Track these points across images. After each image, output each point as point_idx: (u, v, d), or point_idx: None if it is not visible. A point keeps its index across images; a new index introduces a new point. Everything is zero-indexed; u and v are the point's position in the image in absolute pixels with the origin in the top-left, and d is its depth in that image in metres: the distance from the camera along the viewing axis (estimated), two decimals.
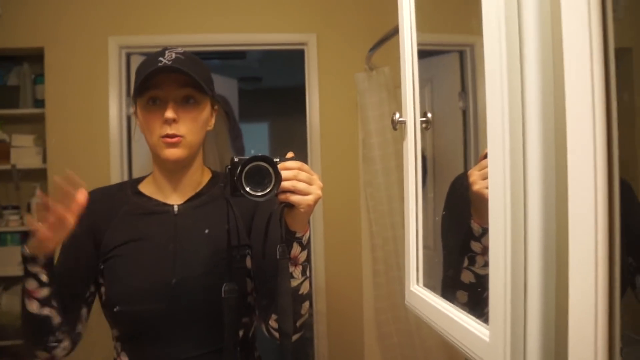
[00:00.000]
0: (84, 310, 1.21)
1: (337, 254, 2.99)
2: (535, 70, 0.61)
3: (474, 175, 0.89)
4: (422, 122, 1.01)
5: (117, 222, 1.22)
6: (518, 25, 0.62)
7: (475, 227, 0.94)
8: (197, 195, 1.26)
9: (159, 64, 1.13)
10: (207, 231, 1.21)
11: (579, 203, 0.52)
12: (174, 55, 1.16)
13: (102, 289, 1.20)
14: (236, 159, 0.97)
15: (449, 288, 1.04)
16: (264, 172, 0.96)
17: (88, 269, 1.21)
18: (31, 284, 1.07)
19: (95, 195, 1.25)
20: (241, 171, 0.95)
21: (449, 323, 0.82)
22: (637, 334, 0.59)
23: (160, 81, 1.15)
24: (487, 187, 0.69)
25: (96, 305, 1.24)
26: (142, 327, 1.17)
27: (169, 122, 1.14)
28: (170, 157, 1.17)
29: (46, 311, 1.09)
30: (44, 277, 1.07)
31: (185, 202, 1.25)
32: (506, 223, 0.63)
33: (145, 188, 1.28)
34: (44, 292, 1.07)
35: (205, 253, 1.19)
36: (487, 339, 0.69)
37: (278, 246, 1.04)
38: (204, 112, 1.21)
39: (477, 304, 0.85)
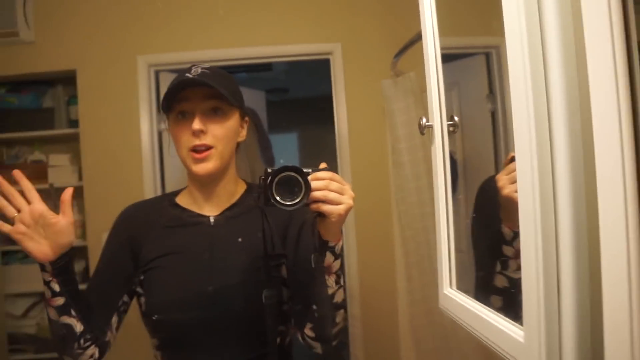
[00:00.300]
0: (115, 320, 1.23)
1: (371, 260, 2.99)
2: (559, 71, 0.61)
3: (502, 179, 0.89)
4: (449, 125, 1.01)
5: (155, 234, 1.25)
6: (540, 27, 0.63)
7: (506, 231, 0.94)
8: (232, 207, 1.28)
9: (188, 77, 1.16)
10: (240, 240, 1.23)
11: (609, 201, 0.52)
12: (199, 70, 1.19)
13: (142, 299, 1.23)
14: (269, 170, 0.99)
15: (482, 293, 1.04)
16: (294, 182, 0.97)
17: (124, 280, 1.24)
18: (46, 293, 1.11)
19: (133, 209, 1.31)
20: (272, 181, 0.97)
21: (483, 325, 0.82)
22: None
23: (187, 95, 1.18)
24: (516, 191, 0.69)
25: (136, 316, 1.27)
26: (180, 336, 1.19)
27: (197, 133, 1.16)
28: (200, 172, 1.19)
29: (66, 319, 1.11)
30: (55, 286, 1.10)
31: (220, 214, 1.27)
32: (536, 224, 0.63)
33: (181, 200, 1.31)
34: (59, 301, 1.10)
35: (241, 261, 1.20)
36: (521, 340, 0.69)
37: (312, 255, 1.05)
38: (232, 123, 1.23)
39: (513, 308, 0.84)
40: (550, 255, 0.63)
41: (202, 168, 1.18)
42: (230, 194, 1.29)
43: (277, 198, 0.97)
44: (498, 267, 0.98)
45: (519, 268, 0.94)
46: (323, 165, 1.05)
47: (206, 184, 1.26)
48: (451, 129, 1.01)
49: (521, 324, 0.73)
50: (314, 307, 1.12)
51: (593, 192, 0.54)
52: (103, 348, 1.20)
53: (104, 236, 2.98)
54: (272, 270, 1.22)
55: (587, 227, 0.61)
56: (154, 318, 1.18)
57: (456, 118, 1.01)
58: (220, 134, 1.20)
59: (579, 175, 0.61)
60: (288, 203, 0.97)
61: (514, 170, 0.69)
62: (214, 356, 1.19)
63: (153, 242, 1.24)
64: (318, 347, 1.19)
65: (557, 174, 0.62)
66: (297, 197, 0.97)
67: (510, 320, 0.75)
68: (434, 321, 2.66)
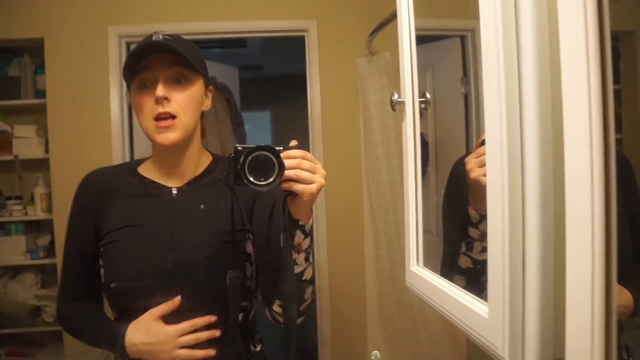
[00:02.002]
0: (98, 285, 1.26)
1: (340, 238, 3.00)
2: (532, 56, 0.61)
3: (471, 162, 0.89)
4: (420, 102, 1.01)
5: (115, 204, 1.22)
6: (514, 9, 0.62)
7: (473, 213, 0.94)
8: (197, 179, 1.26)
9: (149, 42, 1.13)
10: (203, 213, 1.21)
11: (575, 183, 0.52)
12: (161, 37, 1.15)
13: (102, 271, 1.21)
14: (240, 147, 0.97)
15: (447, 272, 1.05)
16: (268, 162, 0.95)
17: (92, 248, 1.23)
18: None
19: (94, 177, 1.28)
20: (244, 160, 0.95)
21: (449, 301, 0.83)
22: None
23: (149, 62, 1.14)
24: (484, 175, 0.69)
25: None
26: (138, 309, 1.17)
27: (160, 100, 1.13)
28: (164, 142, 1.16)
29: None
30: None
31: (183, 185, 1.24)
32: (504, 203, 0.63)
33: (144, 170, 1.28)
34: None
35: (204, 237, 1.19)
36: (486, 316, 0.69)
37: (281, 234, 1.04)
38: (197, 91, 1.20)
39: (475, 289, 0.85)
40: (517, 234, 0.63)
41: (166, 138, 1.15)
42: (195, 165, 1.27)
43: (251, 178, 0.95)
44: (463, 248, 0.99)
45: (483, 250, 0.95)
46: (294, 142, 1.04)
47: (170, 155, 1.23)
48: (422, 105, 1.01)
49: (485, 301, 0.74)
50: (283, 285, 1.11)
51: (561, 174, 0.54)
52: None
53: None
54: (237, 246, 1.21)
55: (553, 207, 0.61)
56: (111, 286, 1.16)
57: (428, 95, 1.00)
58: (184, 102, 1.16)
59: (548, 158, 0.61)
60: (262, 183, 0.95)
61: (484, 153, 0.69)
62: None
63: (113, 212, 1.21)
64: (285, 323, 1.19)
65: (526, 157, 0.62)
66: (270, 177, 0.95)
67: (475, 297, 0.76)
68: (401, 301, 2.70)
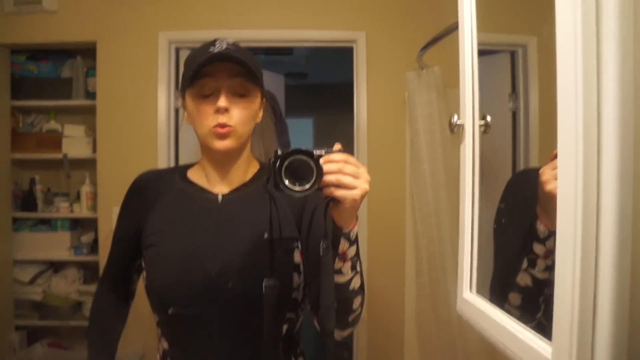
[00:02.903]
0: (134, 285, 1.36)
1: (381, 249, 2.97)
2: (614, 68, 0.57)
3: (547, 173, 0.83)
4: (480, 125, 0.97)
5: (160, 206, 1.23)
6: (596, 19, 0.59)
7: (541, 228, 0.90)
8: (243, 186, 1.25)
9: (212, 51, 1.12)
10: (249, 222, 1.19)
11: None
12: (225, 45, 1.14)
13: (144, 273, 1.23)
14: (279, 152, 0.93)
15: (499, 290, 1.00)
16: (305, 167, 0.91)
17: (135, 247, 1.26)
18: None
19: (144, 177, 1.31)
20: (281, 165, 0.91)
21: (505, 334, 0.79)
22: None
23: (213, 70, 1.14)
24: None
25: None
26: (179, 318, 1.16)
27: (222, 111, 1.13)
28: (221, 148, 1.16)
29: None
30: None
31: (230, 192, 1.24)
32: (577, 228, 0.59)
33: (193, 175, 1.28)
34: None
35: (247, 246, 1.17)
36: (549, 357, 0.66)
37: (321, 242, 0.99)
38: (255, 104, 1.20)
39: (531, 309, 0.82)
40: (589, 265, 0.59)
41: (222, 145, 1.15)
42: (243, 173, 1.26)
43: (286, 183, 0.91)
44: (524, 265, 0.94)
45: (547, 268, 0.91)
46: (337, 146, 0.98)
47: (222, 163, 1.23)
48: (482, 128, 0.98)
49: (537, 326, 0.70)
50: (321, 296, 1.08)
51: None
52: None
53: (115, 210, 2.99)
54: (282, 256, 1.18)
55: (632, 236, 0.57)
56: (152, 291, 1.18)
57: (489, 118, 0.97)
58: (242, 115, 1.16)
59: (628, 180, 0.57)
60: (297, 189, 0.91)
61: None
62: (212, 340, 1.16)
63: (157, 214, 1.22)
64: (336, 334, 1.14)
65: (603, 177, 0.58)
66: (308, 183, 0.91)
67: (536, 334, 0.72)
68: (441, 318, 2.64)
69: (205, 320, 1.16)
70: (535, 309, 0.81)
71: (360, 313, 1.15)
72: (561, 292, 0.63)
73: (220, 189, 1.24)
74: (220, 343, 1.16)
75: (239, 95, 1.16)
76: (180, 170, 1.30)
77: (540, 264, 0.92)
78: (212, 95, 1.15)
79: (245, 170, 1.27)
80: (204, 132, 1.17)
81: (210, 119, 1.15)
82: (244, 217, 1.20)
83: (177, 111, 3.03)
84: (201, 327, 1.16)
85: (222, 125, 1.14)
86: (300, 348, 1.31)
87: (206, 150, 1.23)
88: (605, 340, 0.58)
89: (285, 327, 1.22)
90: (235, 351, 1.17)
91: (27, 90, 3.18)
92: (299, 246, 1.21)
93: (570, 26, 0.60)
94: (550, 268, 0.91)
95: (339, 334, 1.16)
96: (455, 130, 1.00)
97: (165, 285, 1.16)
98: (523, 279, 0.95)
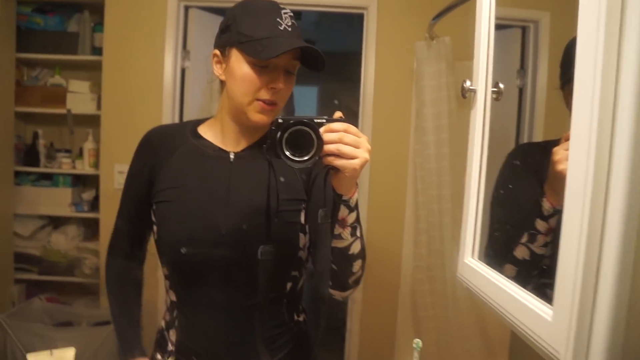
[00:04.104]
0: (148, 235, 1.33)
1: (380, 219, 2.98)
2: (635, 59, 0.57)
3: (560, 153, 0.84)
4: (493, 92, 0.97)
5: (173, 161, 1.23)
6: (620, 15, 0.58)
7: (547, 206, 0.90)
8: (254, 145, 1.25)
9: (280, 28, 1.12)
10: (259, 182, 1.18)
11: None
12: (290, 22, 1.14)
13: (155, 228, 1.23)
14: (280, 120, 0.94)
15: (495, 260, 1.01)
16: (306, 137, 0.92)
17: (147, 202, 1.26)
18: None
19: (155, 132, 1.31)
20: (282, 135, 0.92)
21: (506, 299, 0.80)
22: None
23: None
24: None
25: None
26: (188, 271, 1.19)
27: (277, 90, 1.14)
28: (260, 122, 1.17)
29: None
30: None
31: (241, 151, 1.24)
32: (585, 202, 0.60)
33: (204, 132, 1.28)
34: None
35: (255, 208, 1.17)
36: (549, 319, 0.67)
37: (320, 210, 1.01)
38: (294, 81, 1.21)
39: (524, 282, 0.82)
40: (594, 237, 0.60)
41: (262, 119, 1.16)
42: (256, 133, 1.26)
43: (287, 154, 0.92)
44: (524, 239, 0.95)
45: (546, 244, 0.92)
46: (338, 114, 1.00)
47: (246, 127, 1.23)
48: (494, 95, 0.97)
49: (544, 299, 0.71)
50: (317, 264, 1.10)
51: None
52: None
53: (117, 167, 2.98)
54: (287, 217, 1.19)
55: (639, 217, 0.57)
56: (162, 250, 1.20)
57: (502, 85, 0.96)
58: (287, 92, 1.18)
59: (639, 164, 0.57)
60: (297, 159, 0.92)
61: None
62: (218, 294, 1.19)
63: (170, 169, 1.22)
64: (337, 294, 1.19)
65: (615, 158, 0.58)
66: (308, 154, 0.92)
67: (538, 299, 0.73)
68: (436, 290, 2.67)
69: (212, 275, 1.18)
70: (528, 282, 0.82)
71: (361, 275, 1.17)
72: (565, 259, 0.64)
73: (232, 147, 1.24)
74: (225, 298, 1.19)
75: (289, 72, 1.17)
76: (190, 126, 1.30)
77: (540, 239, 0.93)
78: (268, 68, 1.14)
79: (258, 131, 1.27)
80: (246, 100, 1.16)
81: (260, 92, 1.14)
82: (254, 178, 1.21)
83: (183, 70, 3.01)
84: (209, 282, 1.19)
85: (270, 102, 1.15)
86: (302, 305, 1.34)
87: (239, 115, 1.21)
88: (605, 306, 0.59)
89: (289, 285, 1.25)
90: (235, 307, 1.19)
91: (33, 43, 3.14)
92: (305, 207, 1.22)
93: (593, 19, 0.60)
94: (549, 244, 0.92)
95: (339, 294, 1.19)
96: (467, 96, 0.99)
97: (177, 241, 1.17)
98: (521, 252, 0.96)
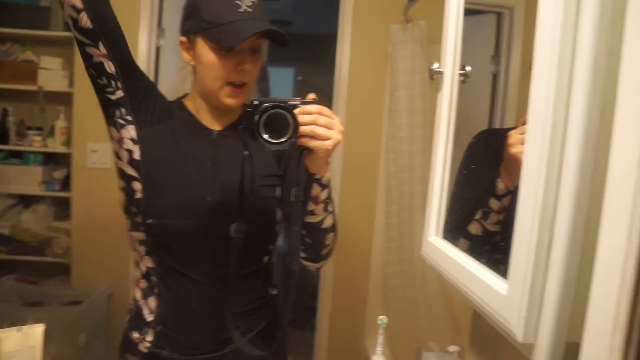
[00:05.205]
0: None
1: (352, 200, 2.99)
2: (589, 40, 0.59)
3: (514, 137, 0.87)
4: (460, 74, 0.99)
5: (163, 128, 1.22)
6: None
7: (501, 186, 0.94)
8: (235, 124, 1.28)
9: (240, 11, 1.12)
10: (242, 160, 1.21)
11: (617, 174, 0.50)
12: (250, 1, 1.14)
13: (139, 194, 1.19)
14: (256, 101, 0.98)
15: (451, 235, 1.06)
16: (283, 120, 0.96)
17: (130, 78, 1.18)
18: None
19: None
20: (259, 118, 0.95)
21: (466, 275, 0.83)
22: None
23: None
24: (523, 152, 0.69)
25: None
26: (174, 240, 1.21)
27: (244, 71, 1.15)
28: (232, 105, 1.19)
29: None
30: None
31: (223, 130, 1.27)
32: (539, 183, 0.62)
33: (190, 109, 1.29)
34: None
35: (237, 179, 1.19)
36: (504, 292, 0.70)
37: (292, 189, 1.05)
38: (261, 58, 1.22)
39: (477, 256, 0.87)
40: (547, 216, 0.62)
41: (235, 102, 1.19)
42: (235, 112, 1.29)
43: (265, 137, 0.96)
44: (478, 215, 1.00)
45: (497, 222, 0.97)
46: (312, 96, 1.04)
47: (221, 110, 1.26)
48: (462, 78, 1.00)
49: (496, 271, 0.75)
50: (288, 240, 1.14)
51: (603, 162, 0.53)
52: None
53: (89, 146, 2.94)
54: (263, 192, 1.23)
55: (590, 190, 0.60)
56: (148, 222, 1.18)
57: (468, 68, 0.99)
58: (255, 71, 1.19)
59: (591, 141, 0.60)
60: (275, 142, 0.96)
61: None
62: (198, 266, 1.21)
63: (161, 136, 1.21)
64: (311, 266, 1.26)
65: (568, 142, 0.61)
66: (284, 136, 0.96)
67: (495, 273, 0.76)
68: (406, 271, 2.72)
69: (197, 238, 1.20)
70: (479, 256, 0.87)
71: (332, 248, 1.24)
72: (520, 236, 0.66)
73: (213, 126, 1.27)
74: (210, 264, 1.22)
75: (255, 51, 1.18)
76: (176, 103, 1.30)
77: (493, 217, 0.97)
78: (234, 52, 1.15)
79: (237, 110, 1.29)
80: (216, 85, 1.17)
81: (228, 75, 1.16)
82: (235, 157, 1.23)
83: (158, 49, 2.98)
84: (189, 253, 1.21)
85: (240, 84, 1.16)
86: (274, 280, 1.38)
87: (207, 96, 1.23)
88: (555, 279, 0.62)
89: (266, 258, 1.30)
90: (214, 280, 1.22)
91: (3, 17, 3.06)
92: (280, 183, 1.26)
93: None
94: (501, 223, 0.97)
95: (313, 265, 1.26)
96: (435, 78, 1.01)
97: (164, 211, 1.18)
98: (474, 228, 1.01)
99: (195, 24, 1.17)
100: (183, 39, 1.22)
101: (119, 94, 1.16)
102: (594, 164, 0.59)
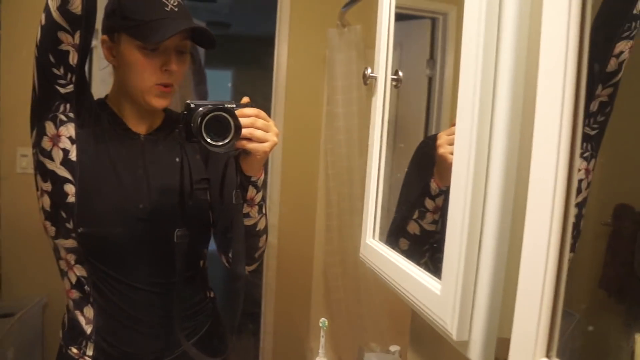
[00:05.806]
0: None
1: (292, 203, 2.99)
2: (511, 43, 0.62)
3: (442, 138, 0.91)
4: (392, 79, 1.02)
5: (94, 130, 1.18)
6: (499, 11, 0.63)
7: (434, 186, 0.98)
8: (159, 129, 1.27)
9: (166, 9, 1.11)
10: (172, 165, 1.22)
11: (540, 175, 0.52)
12: (176, 1, 1.13)
13: (71, 198, 1.14)
14: (192, 105, 0.98)
15: (393, 235, 1.10)
16: (224, 122, 0.96)
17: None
18: None
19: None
20: (201, 121, 0.95)
21: (402, 276, 0.85)
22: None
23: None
24: (451, 153, 0.71)
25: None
26: (106, 248, 1.17)
27: (170, 72, 1.14)
28: (159, 106, 1.18)
29: None
30: None
31: (149, 135, 1.25)
32: (467, 185, 0.65)
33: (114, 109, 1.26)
34: None
35: (173, 184, 1.20)
36: (438, 292, 0.72)
37: (234, 192, 1.07)
38: (188, 60, 1.21)
39: (416, 255, 0.91)
40: (476, 218, 0.65)
41: (161, 103, 1.17)
42: (157, 117, 1.28)
43: (208, 139, 0.96)
44: (415, 215, 1.03)
45: (433, 222, 1.00)
46: (246, 99, 1.06)
47: (145, 110, 1.23)
48: (394, 83, 1.02)
49: (431, 271, 0.77)
50: (233, 243, 1.14)
51: (526, 162, 0.56)
52: None
53: (20, 150, 2.80)
54: (198, 197, 1.24)
55: (514, 193, 0.63)
56: (80, 223, 1.13)
57: (401, 73, 1.01)
58: (181, 72, 1.18)
59: (514, 144, 0.63)
60: (219, 144, 0.96)
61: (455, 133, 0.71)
62: (131, 273, 1.18)
63: (90, 138, 1.16)
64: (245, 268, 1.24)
65: (494, 140, 0.63)
66: (226, 138, 0.96)
67: (429, 274, 0.78)
68: (348, 273, 2.75)
69: (131, 244, 1.17)
70: (420, 255, 0.90)
71: (264, 250, 1.26)
72: (451, 237, 0.69)
73: (138, 129, 1.24)
74: (137, 276, 1.19)
75: (181, 52, 1.17)
76: (100, 105, 1.25)
77: (429, 217, 1.01)
78: (159, 51, 1.13)
79: (160, 114, 1.29)
80: (143, 86, 1.15)
81: (154, 77, 1.14)
82: (164, 161, 1.22)
83: (90, 50, 2.88)
84: (127, 250, 1.17)
85: (167, 85, 1.15)
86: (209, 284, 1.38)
87: (131, 97, 1.20)
88: (486, 279, 0.64)
89: (202, 262, 1.30)
90: (150, 287, 1.20)
91: None
92: (209, 186, 1.28)
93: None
94: (437, 222, 1.02)
95: (247, 268, 1.24)
96: (369, 82, 1.04)
97: (94, 220, 1.14)
98: (412, 228, 1.05)
99: (118, 22, 1.15)
100: (105, 37, 1.19)
101: (70, 88, 1.11)
102: (519, 164, 0.62)
